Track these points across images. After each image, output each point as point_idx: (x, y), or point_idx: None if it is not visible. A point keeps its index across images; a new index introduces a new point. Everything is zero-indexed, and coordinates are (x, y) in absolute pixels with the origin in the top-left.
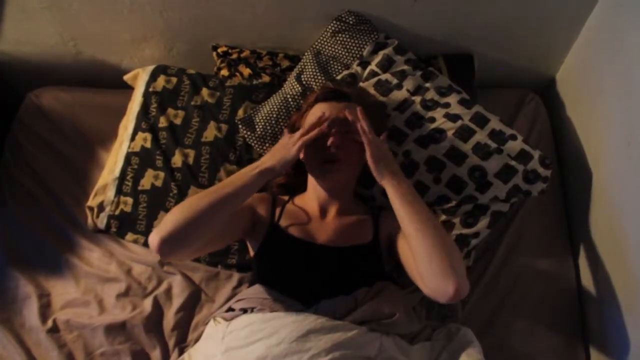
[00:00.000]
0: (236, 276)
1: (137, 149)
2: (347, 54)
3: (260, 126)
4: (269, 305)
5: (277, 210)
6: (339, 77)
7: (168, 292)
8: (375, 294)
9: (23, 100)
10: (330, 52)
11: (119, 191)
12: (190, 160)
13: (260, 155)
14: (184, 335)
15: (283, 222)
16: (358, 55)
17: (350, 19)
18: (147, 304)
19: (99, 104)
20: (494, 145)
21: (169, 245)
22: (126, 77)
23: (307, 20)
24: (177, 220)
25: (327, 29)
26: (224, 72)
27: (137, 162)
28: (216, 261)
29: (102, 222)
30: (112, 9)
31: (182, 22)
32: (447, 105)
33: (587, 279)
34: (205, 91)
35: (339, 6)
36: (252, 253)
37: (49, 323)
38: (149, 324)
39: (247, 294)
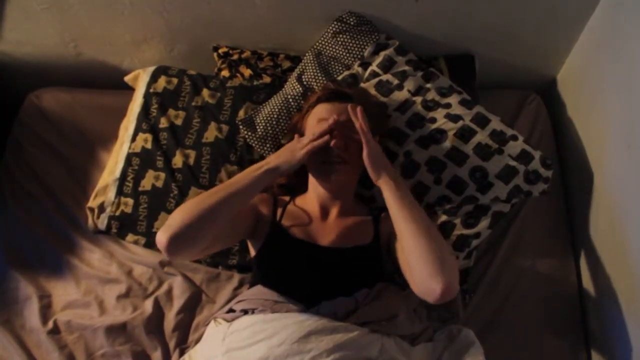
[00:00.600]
0: (237, 277)
1: (138, 149)
2: (348, 54)
3: (261, 127)
4: (270, 306)
5: (279, 211)
6: (339, 78)
7: (169, 293)
8: (376, 295)
9: (23, 101)
10: (331, 52)
11: (120, 192)
12: (191, 161)
13: (261, 156)
14: (185, 336)
15: (284, 223)
16: (359, 56)
17: (351, 19)
18: (148, 305)
19: (100, 104)
20: (495, 145)
21: (177, 243)
22: (127, 78)
23: (308, 21)
24: (184, 219)
25: (328, 30)
26: (225, 73)
27: (137, 163)
28: (217, 262)
29: (102, 223)
30: (112, 10)
31: (183, 23)
32: (448, 105)
33: (588, 280)
34: (206, 92)
35: (340, 7)
36: (252, 254)
37: (50, 324)
38: (150, 325)
39: (248, 294)
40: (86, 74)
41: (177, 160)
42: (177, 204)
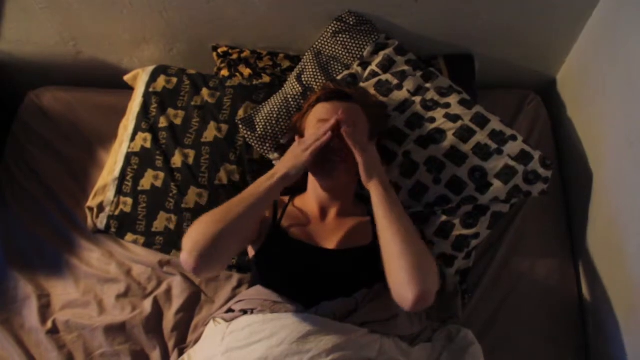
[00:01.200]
0: (236, 277)
1: (137, 149)
2: (347, 54)
3: (261, 126)
4: (269, 306)
5: (279, 212)
6: (339, 78)
7: (168, 292)
8: (375, 295)
9: (23, 100)
10: (331, 52)
11: (119, 191)
12: (190, 160)
13: (261, 156)
14: (184, 336)
15: (284, 224)
16: (358, 56)
17: (351, 19)
18: (147, 305)
19: (99, 104)
20: (494, 145)
21: (205, 262)
22: (126, 78)
23: (307, 20)
24: (207, 237)
25: (328, 29)
26: (224, 73)
27: (137, 163)
28: None
29: (101, 222)
30: (112, 9)
31: (182, 23)
32: (447, 105)
33: (587, 280)
34: (205, 91)
35: (340, 7)
36: (251, 254)
37: (49, 324)
38: (149, 325)
39: (247, 295)
40: (86, 73)
41: (177, 160)
42: (176, 204)
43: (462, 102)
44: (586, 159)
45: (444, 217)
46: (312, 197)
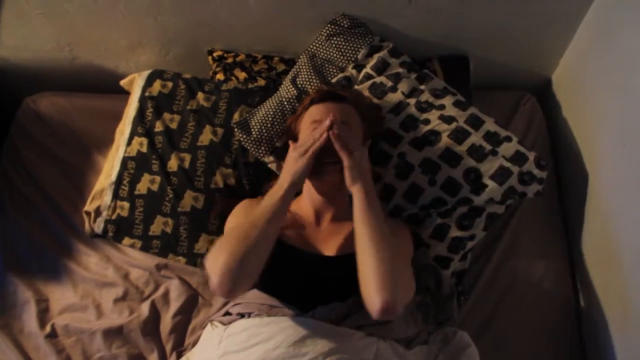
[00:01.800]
0: None
1: (134, 153)
2: (342, 57)
3: (256, 129)
4: (265, 310)
5: None
6: (334, 80)
7: (165, 296)
8: None
9: (20, 106)
10: (325, 55)
11: (116, 196)
12: (186, 164)
13: (256, 159)
14: (181, 339)
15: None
16: (353, 59)
17: (345, 22)
18: (145, 308)
19: (96, 108)
20: (489, 147)
21: (237, 283)
22: (122, 82)
23: (302, 24)
24: (235, 258)
25: (322, 33)
26: (220, 76)
27: (133, 167)
28: None
29: (99, 226)
30: (107, 15)
31: (177, 27)
32: (442, 107)
33: (582, 281)
34: (200, 95)
35: (334, 9)
36: None
37: (48, 328)
38: (146, 328)
39: (244, 298)
40: (82, 79)
41: (173, 164)
42: (173, 207)
43: (456, 104)
44: (581, 159)
45: (439, 220)
46: (307, 200)
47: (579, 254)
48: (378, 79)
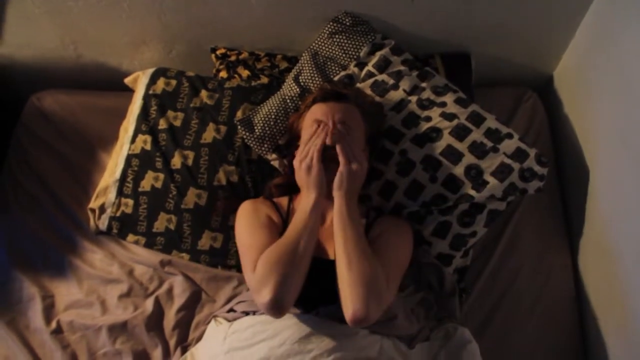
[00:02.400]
0: (236, 276)
1: (138, 151)
2: (344, 55)
3: (259, 127)
4: None
5: (283, 216)
6: (336, 78)
7: (169, 292)
8: None
9: (25, 104)
10: (328, 53)
11: (120, 193)
12: (190, 161)
13: (259, 156)
14: (185, 334)
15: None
16: (355, 56)
17: (347, 20)
18: (149, 304)
19: (100, 106)
20: (490, 143)
21: (289, 302)
22: (127, 80)
23: (304, 22)
24: (288, 281)
25: (324, 30)
26: (223, 74)
27: (137, 164)
28: (216, 262)
29: (103, 223)
30: (111, 13)
31: (181, 25)
32: (443, 104)
33: (584, 277)
34: (204, 93)
35: (336, 7)
36: None
37: (53, 324)
38: (151, 324)
39: (248, 296)
40: (86, 76)
41: (176, 161)
42: (176, 204)
43: (458, 101)
44: (583, 155)
45: (440, 217)
46: None
47: (580, 251)
48: (380, 77)
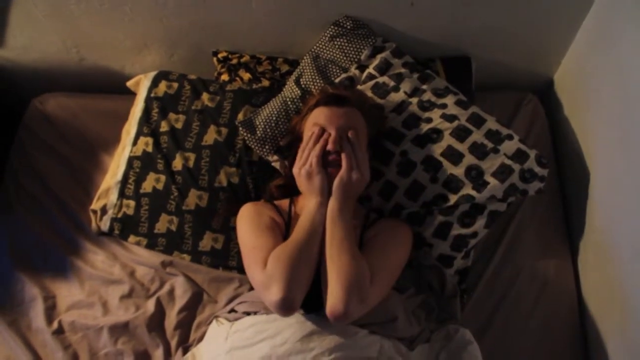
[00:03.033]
0: (237, 277)
1: (139, 153)
2: (345, 57)
3: (261, 129)
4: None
5: (285, 219)
6: (337, 81)
7: (171, 293)
8: None
9: (28, 107)
10: (329, 56)
11: (122, 194)
12: (191, 163)
13: (260, 158)
14: (186, 335)
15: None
16: (356, 59)
17: (348, 23)
18: (150, 305)
19: (102, 109)
20: (490, 145)
21: (299, 302)
22: (129, 83)
23: (305, 25)
24: (299, 282)
25: (325, 34)
26: (224, 77)
27: (139, 166)
28: (217, 263)
29: (105, 225)
30: (113, 17)
31: (183, 29)
32: (444, 106)
33: (585, 279)
34: (205, 96)
35: (337, 11)
36: None
37: (55, 324)
38: (152, 324)
39: (250, 297)
40: (89, 79)
41: (177, 163)
42: (177, 206)
43: (458, 103)
44: (583, 158)
45: (441, 218)
46: None
47: (581, 252)
48: (381, 79)
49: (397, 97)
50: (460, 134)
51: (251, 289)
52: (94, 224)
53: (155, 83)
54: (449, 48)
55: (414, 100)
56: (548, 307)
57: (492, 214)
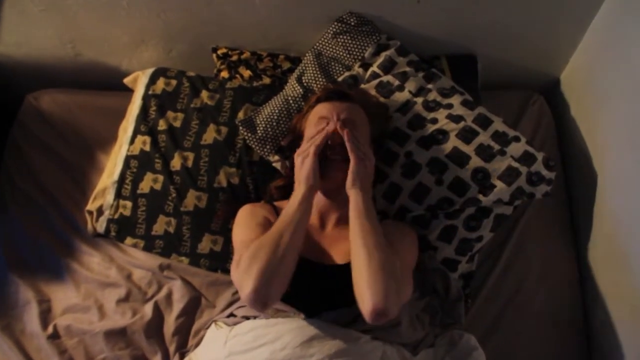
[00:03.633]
0: None
1: (137, 152)
2: (348, 55)
3: (261, 128)
4: (271, 314)
5: None
6: (340, 79)
7: (168, 297)
8: None
9: (22, 103)
10: (332, 53)
11: (118, 195)
12: (190, 163)
13: (261, 158)
14: (185, 340)
15: None
16: (359, 57)
17: (352, 20)
18: (148, 310)
19: (98, 106)
20: (497, 147)
21: (274, 294)
22: (126, 80)
23: (308, 21)
24: (272, 269)
25: (329, 30)
26: (224, 74)
27: (136, 166)
28: (216, 266)
29: (101, 226)
30: (110, 11)
31: (181, 24)
32: (449, 106)
33: (591, 282)
34: (205, 93)
35: (341, 7)
36: None
37: (50, 329)
38: (150, 330)
39: None
40: (85, 76)
41: (176, 163)
42: (175, 207)
43: (464, 103)
44: (590, 159)
45: (446, 221)
46: (313, 204)
47: (587, 256)
48: (385, 78)
49: (401, 96)
50: (467, 135)
51: None
52: (89, 226)
53: (153, 80)
54: (455, 46)
55: (419, 100)
56: (554, 312)
57: (498, 217)
